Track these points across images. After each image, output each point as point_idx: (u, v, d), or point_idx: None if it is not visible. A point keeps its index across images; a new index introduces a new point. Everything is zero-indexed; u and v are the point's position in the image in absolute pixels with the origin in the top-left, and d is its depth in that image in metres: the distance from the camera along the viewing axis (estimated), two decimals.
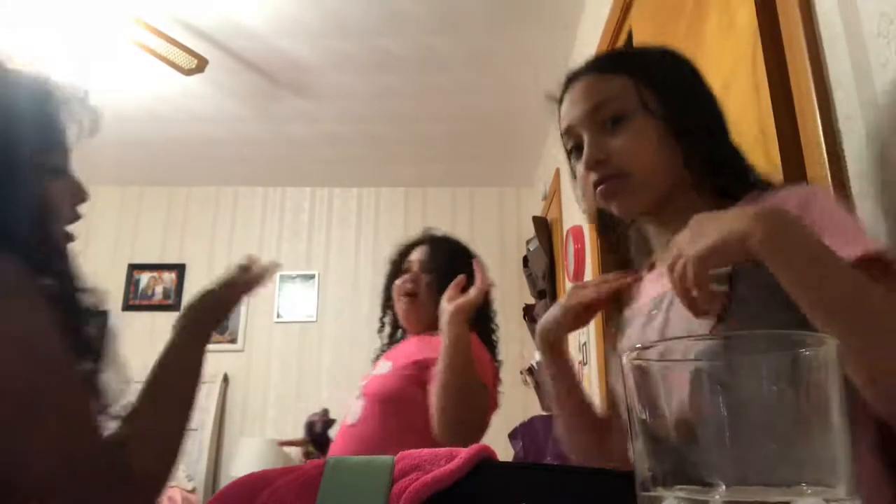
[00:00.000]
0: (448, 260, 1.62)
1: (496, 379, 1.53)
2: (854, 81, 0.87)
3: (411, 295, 1.62)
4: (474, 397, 1.32)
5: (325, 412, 1.95)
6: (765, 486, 0.35)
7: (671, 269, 0.62)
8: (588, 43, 2.53)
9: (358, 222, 4.36)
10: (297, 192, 4.41)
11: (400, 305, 1.65)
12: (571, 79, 0.90)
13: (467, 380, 1.29)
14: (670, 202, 0.82)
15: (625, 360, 0.40)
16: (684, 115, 0.81)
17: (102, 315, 0.82)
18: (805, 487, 0.34)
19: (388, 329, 1.76)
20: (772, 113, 1.04)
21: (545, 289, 3.20)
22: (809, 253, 0.58)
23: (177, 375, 0.86)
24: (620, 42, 2.11)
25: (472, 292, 1.35)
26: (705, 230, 0.61)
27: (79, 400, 0.70)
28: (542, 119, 3.45)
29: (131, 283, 4.13)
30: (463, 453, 0.68)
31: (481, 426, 1.38)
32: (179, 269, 4.18)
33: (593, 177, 0.82)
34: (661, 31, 1.63)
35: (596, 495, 0.67)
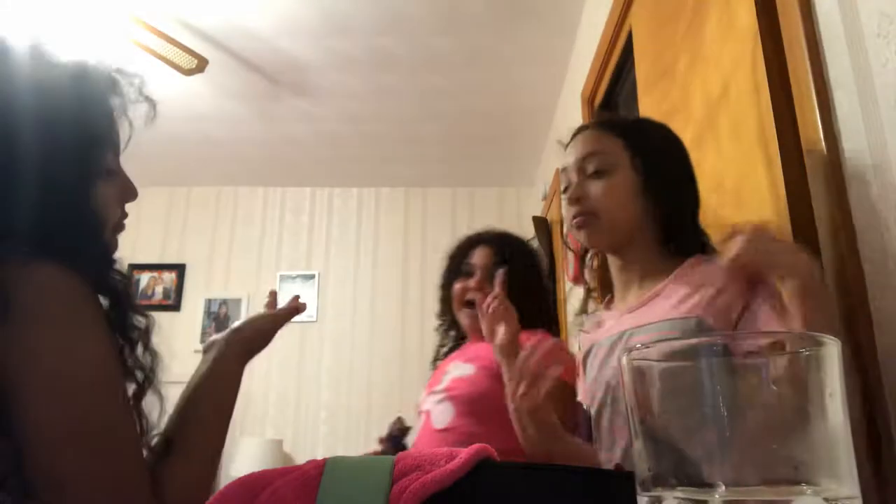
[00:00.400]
0: (515, 267, 1.49)
1: (574, 368, 1.47)
2: (854, 81, 0.87)
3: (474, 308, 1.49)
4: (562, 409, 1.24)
5: (400, 420, 1.84)
6: (765, 486, 0.35)
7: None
8: (588, 43, 2.53)
9: (358, 222, 4.36)
10: (297, 192, 4.41)
11: (464, 314, 1.54)
12: (577, 131, 1.09)
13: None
14: (630, 247, 1.01)
15: (625, 360, 0.40)
16: (658, 182, 0.98)
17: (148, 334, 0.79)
18: (805, 487, 0.34)
19: (448, 331, 1.66)
20: (772, 113, 1.04)
21: None
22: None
23: (220, 406, 0.82)
24: (620, 42, 2.11)
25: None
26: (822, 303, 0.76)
27: (129, 428, 0.69)
28: (542, 119, 3.45)
29: (131, 283, 4.13)
30: (463, 453, 0.68)
31: (567, 422, 1.32)
32: (179, 269, 4.18)
33: (572, 210, 1.01)
34: (661, 31, 1.63)
35: (596, 495, 0.67)
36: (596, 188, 0.99)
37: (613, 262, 1.06)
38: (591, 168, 1.01)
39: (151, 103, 0.84)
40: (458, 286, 1.56)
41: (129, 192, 0.85)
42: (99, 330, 0.69)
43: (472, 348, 1.54)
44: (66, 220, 0.72)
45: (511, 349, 1.08)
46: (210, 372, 0.84)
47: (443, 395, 1.42)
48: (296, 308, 1.02)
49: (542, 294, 1.58)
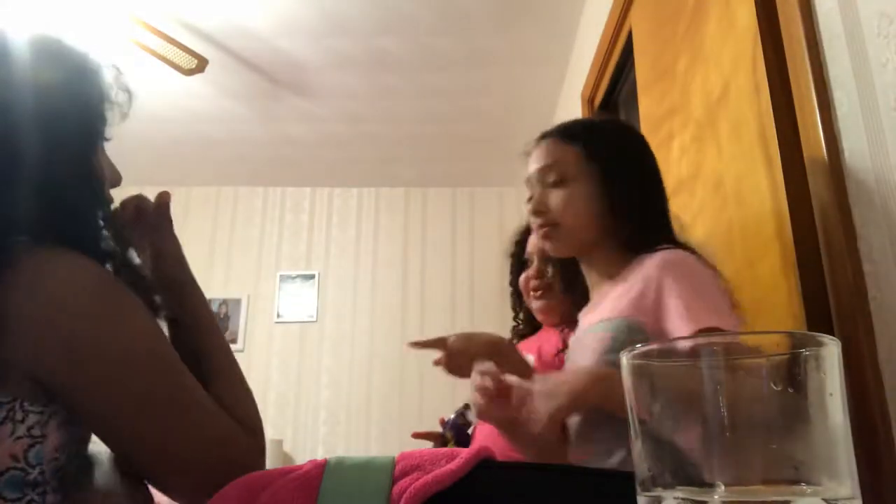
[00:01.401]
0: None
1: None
2: (854, 81, 0.87)
3: (541, 290, 1.51)
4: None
5: (468, 406, 1.80)
6: (765, 486, 0.35)
7: (520, 407, 0.83)
8: (588, 43, 2.53)
9: (358, 222, 4.36)
10: (297, 192, 4.41)
11: (532, 303, 1.54)
12: (539, 139, 1.11)
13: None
14: (595, 249, 1.04)
15: (624, 360, 0.40)
16: (614, 187, 1.00)
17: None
18: (805, 487, 0.34)
19: (522, 325, 1.65)
20: (772, 113, 1.04)
21: None
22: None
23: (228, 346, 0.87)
24: (620, 42, 2.11)
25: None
26: (557, 391, 0.83)
27: (191, 378, 0.72)
28: (542, 119, 3.45)
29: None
30: (463, 453, 0.68)
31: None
32: None
33: (535, 221, 1.05)
34: (661, 31, 1.63)
35: (596, 495, 0.67)
36: (555, 198, 1.02)
37: (582, 266, 1.09)
38: (549, 179, 1.04)
39: (129, 94, 0.84)
40: (522, 278, 1.56)
41: (115, 176, 0.89)
42: (133, 302, 0.71)
43: (538, 337, 1.54)
44: (75, 211, 0.74)
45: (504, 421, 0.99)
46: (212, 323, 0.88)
47: None
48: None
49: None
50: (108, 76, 0.82)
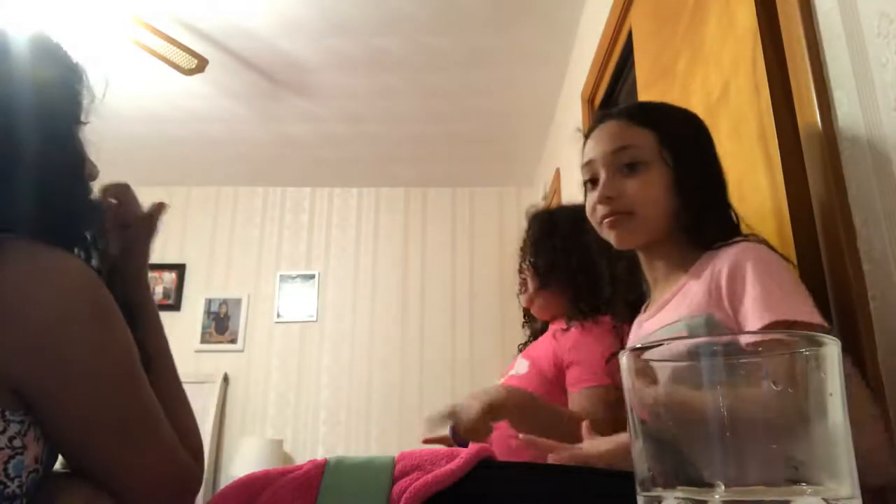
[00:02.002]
0: (542, 239, 1.47)
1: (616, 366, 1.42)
2: (854, 81, 0.87)
3: (520, 285, 1.51)
4: (612, 410, 1.22)
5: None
6: (764, 486, 0.35)
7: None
8: (588, 43, 2.53)
9: (358, 222, 4.36)
10: (297, 192, 4.41)
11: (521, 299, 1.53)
12: (602, 119, 1.02)
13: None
14: (664, 241, 0.97)
15: (624, 360, 0.40)
16: (691, 175, 0.94)
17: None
18: (805, 487, 0.34)
19: (529, 321, 1.64)
20: (772, 113, 1.04)
21: None
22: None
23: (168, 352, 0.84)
24: (620, 42, 2.11)
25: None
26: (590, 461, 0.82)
27: (154, 398, 0.70)
28: (542, 119, 3.45)
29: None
30: (463, 453, 0.68)
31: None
32: (179, 269, 4.18)
33: (602, 210, 0.96)
34: (660, 30, 1.63)
35: (596, 495, 0.67)
36: (631, 186, 0.94)
37: (643, 260, 1.03)
38: (622, 162, 0.95)
39: (92, 92, 0.81)
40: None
41: (92, 170, 0.84)
42: (115, 313, 0.69)
43: (539, 342, 1.51)
44: (63, 205, 0.71)
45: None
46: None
47: None
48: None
49: (587, 260, 1.39)
50: (74, 57, 0.78)
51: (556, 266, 1.42)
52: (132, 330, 0.71)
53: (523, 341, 1.64)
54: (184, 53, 2.53)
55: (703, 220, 0.93)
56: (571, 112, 2.86)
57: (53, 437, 0.65)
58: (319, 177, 4.27)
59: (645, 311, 1.05)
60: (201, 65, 2.60)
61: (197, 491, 0.72)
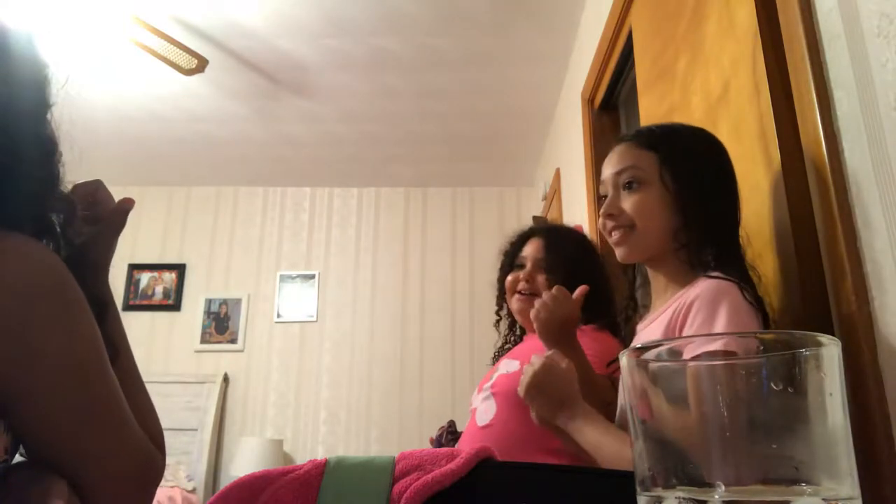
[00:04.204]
0: (565, 258, 1.52)
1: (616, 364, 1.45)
2: (854, 81, 0.87)
3: (526, 294, 1.53)
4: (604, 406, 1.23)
5: (452, 424, 1.82)
6: (764, 486, 0.35)
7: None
8: (588, 43, 2.53)
9: (358, 222, 4.36)
10: (297, 192, 4.41)
11: (514, 303, 1.56)
12: (617, 142, 1.11)
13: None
14: (665, 257, 1.03)
15: (625, 360, 0.40)
16: (689, 196, 0.99)
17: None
18: (805, 487, 0.34)
19: (504, 324, 1.67)
20: (772, 113, 1.04)
21: None
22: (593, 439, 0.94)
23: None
24: (620, 42, 2.11)
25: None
26: (551, 393, 0.99)
27: (119, 390, 0.69)
28: (542, 119, 3.45)
29: (131, 283, 4.13)
30: (463, 453, 0.68)
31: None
32: (179, 269, 4.18)
33: (607, 224, 1.06)
34: (661, 30, 1.63)
35: (596, 495, 0.67)
36: (629, 202, 1.03)
37: (649, 272, 1.10)
38: (623, 181, 1.04)
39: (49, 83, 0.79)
40: (510, 278, 1.58)
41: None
42: (82, 302, 0.67)
43: (524, 346, 1.54)
44: (25, 185, 0.68)
45: (552, 327, 1.18)
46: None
47: (488, 392, 1.43)
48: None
49: (599, 280, 1.51)
50: (39, 43, 0.75)
51: (569, 281, 1.45)
52: (99, 323, 0.70)
53: (497, 348, 1.67)
54: (184, 53, 2.53)
55: (698, 244, 0.99)
56: (571, 112, 2.86)
57: (15, 426, 0.64)
58: (319, 177, 4.27)
59: (643, 318, 1.11)
60: (201, 65, 2.60)
61: (159, 480, 0.71)
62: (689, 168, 1.01)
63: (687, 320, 0.90)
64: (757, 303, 0.90)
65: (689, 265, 0.99)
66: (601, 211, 1.06)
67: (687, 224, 0.99)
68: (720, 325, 0.86)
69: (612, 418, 1.09)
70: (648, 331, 1.03)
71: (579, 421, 0.96)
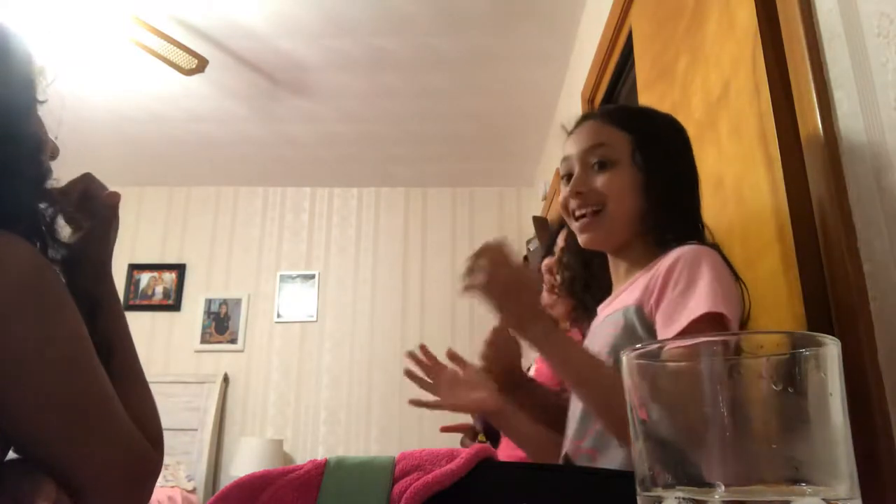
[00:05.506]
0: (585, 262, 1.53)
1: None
2: (854, 81, 0.87)
3: (549, 285, 1.52)
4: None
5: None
6: (764, 486, 0.35)
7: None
8: (588, 43, 2.53)
9: (358, 222, 4.36)
10: (297, 192, 4.41)
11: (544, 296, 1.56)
12: (583, 118, 1.06)
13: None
14: (626, 246, 1.01)
15: (625, 359, 0.40)
16: (661, 179, 0.97)
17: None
18: (805, 487, 0.34)
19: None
20: (772, 113, 1.04)
21: None
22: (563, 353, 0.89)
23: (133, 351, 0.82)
24: (620, 42, 2.11)
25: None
26: (515, 305, 0.90)
27: (109, 385, 0.69)
28: (542, 119, 3.45)
29: (131, 283, 4.14)
30: (464, 453, 0.68)
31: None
32: (179, 269, 4.18)
33: (573, 204, 1.01)
34: (660, 30, 1.63)
35: (595, 495, 0.67)
36: (599, 182, 0.98)
37: (610, 262, 1.07)
38: (593, 160, 0.99)
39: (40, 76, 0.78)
40: (545, 262, 1.58)
41: (54, 150, 0.80)
42: (66, 298, 0.67)
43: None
44: (11, 183, 0.68)
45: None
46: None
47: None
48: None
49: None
50: (25, 40, 0.75)
51: (576, 279, 1.45)
52: (92, 321, 0.69)
53: None
54: (184, 53, 2.53)
55: (668, 223, 0.97)
56: (572, 112, 2.86)
57: (3, 424, 0.64)
58: (319, 177, 4.27)
59: (604, 306, 1.08)
60: (201, 65, 2.60)
61: (155, 477, 0.70)
62: (660, 151, 0.99)
63: (670, 280, 0.87)
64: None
65: (655, 247, 0.97)
66: (569, 189, 1.00)
67: (654, 208, 0.97)
68: (703, 284, 0.84)
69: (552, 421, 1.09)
70: (619, 300, 0.99)
71: (558, 334, 0.90)
